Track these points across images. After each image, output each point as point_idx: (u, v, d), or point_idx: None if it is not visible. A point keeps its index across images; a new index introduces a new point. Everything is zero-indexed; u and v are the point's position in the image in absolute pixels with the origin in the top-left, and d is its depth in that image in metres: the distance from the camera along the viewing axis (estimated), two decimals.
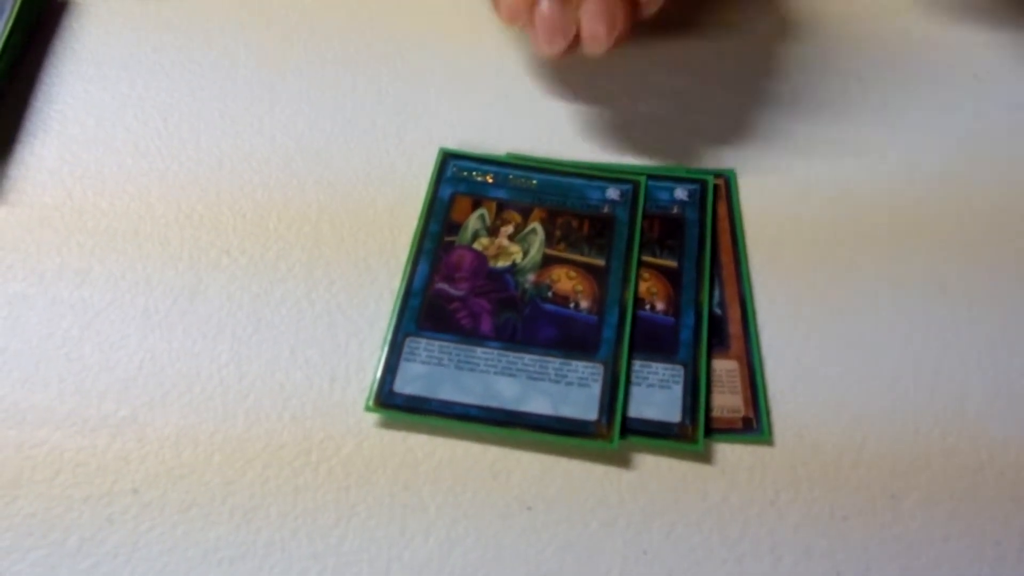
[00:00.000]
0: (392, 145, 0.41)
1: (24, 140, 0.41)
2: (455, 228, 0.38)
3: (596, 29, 0.37)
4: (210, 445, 0.33)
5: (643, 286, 0.37)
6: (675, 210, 0.39)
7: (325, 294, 0.37)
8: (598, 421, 0.33)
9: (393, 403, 0.33)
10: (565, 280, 0.37)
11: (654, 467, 0.33)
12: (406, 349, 0.34)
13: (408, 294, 0.36)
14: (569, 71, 0.44)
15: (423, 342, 0.35)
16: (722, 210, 0.39)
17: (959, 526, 0.32)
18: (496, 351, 0.35)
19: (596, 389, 0.34)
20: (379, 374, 0.34)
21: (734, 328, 0.36)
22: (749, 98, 0.44)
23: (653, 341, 0.35)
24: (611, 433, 0.33)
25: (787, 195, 0.40)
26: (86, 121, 0.42)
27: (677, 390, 0.34)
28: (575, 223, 0.38)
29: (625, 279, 0.37)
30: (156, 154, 0.41)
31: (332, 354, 0.35)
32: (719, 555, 0.31)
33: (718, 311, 0.36)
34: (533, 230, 0.38)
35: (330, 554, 0.31)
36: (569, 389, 0.34)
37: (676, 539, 0.31)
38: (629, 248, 0.37)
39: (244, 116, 0.42)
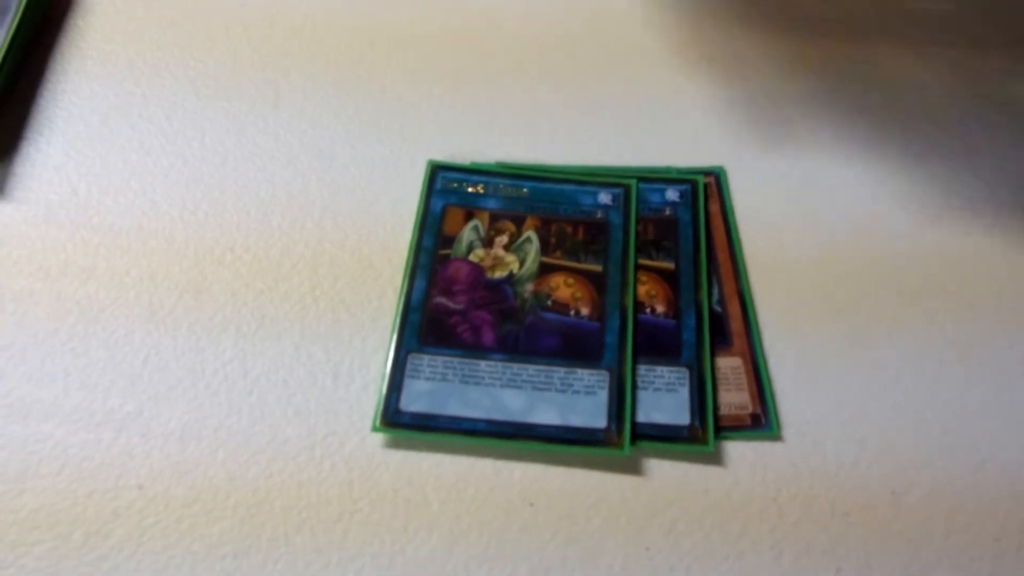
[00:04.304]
0: (395, 143, 0.42)
1: (30, 137, 0.41)
2: (449, 241, 0.38)
3: None
4: (214, 440, 0.33)
5: (642, 289, 0.37)
6: (667, 211, 0.39)
7: (329, 291, 0.37)
8: (608, 428, 0.33)
9: (400, 422, 0.33)
10: (564, 287, 0.37)
11: (668, 470, 0.33)
12: (409, 366, 0.34)
13: (407, 310, 0.36)
14: (555, 75, 0.44)
15: (426, 358, 0.35)
16: (714, 207, 0.39)
17: (959, 522, 0.32)
18: (500, 363, 0.35)
19: (603, 396, 0.34)
20: (383, 392, 0.34)
21: (735, 324, 0.36)
22: (736, 96, 0.44)
23: (656, 344, 0.35)
24: (622, 440, 0.33)
25: (778, 188, 0.40)
26: (91, 119, 0.42)
27: (684, 392, 0.34)
28: (569, 229, 0.38)
29: (624, 283, 0.37)
30: (161, 152, 0.41)
31: (336, 350, 0.35)
32: (720, 551, 0.31)
33: (718, 309, 0.36)
34: (528, 239, 0.38)
35: (333, 549, 0.31)
36: (576, 398, 0.34)
37: (678, 535, 0.32)
38: (625, 252, 0.38)
39: (248, 114, 0.42)
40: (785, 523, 0.32)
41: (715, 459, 0.33)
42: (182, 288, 0.37)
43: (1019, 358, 0.36)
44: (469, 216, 0.39)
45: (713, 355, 0.35)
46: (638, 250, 0.38)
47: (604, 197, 0.39)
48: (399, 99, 0.43)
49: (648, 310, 0.36)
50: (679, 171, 0.41)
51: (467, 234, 0.38)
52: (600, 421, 0.33)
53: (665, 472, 0.33)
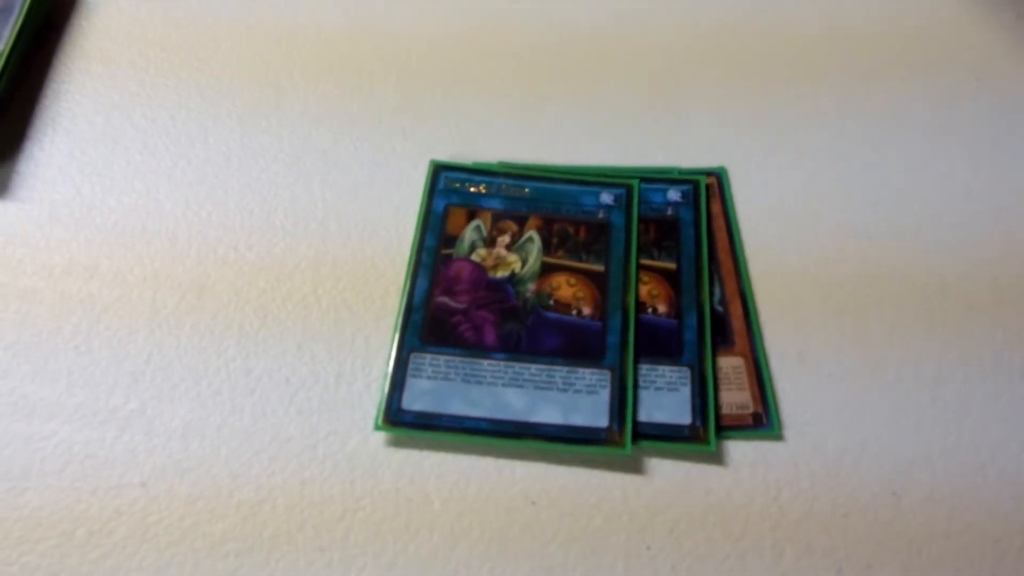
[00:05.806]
0: (398, 143, 0.42)
1: (34, 137, 0.41)
2: (451, 240, 0.38)
3: None
4: (217, 438, 0.33)
5: (644, 289, 0.37)
6: (669, 212, 0.39)
7: (332, 290, 0.37)
8: (609, 428, 0.33)
9: (402, 421, 0.33)
10: (566, 287, 0.37)
11: (669, 470, 0.33)
12: (411, 365, 0.34)
13: (410, 309, 0.36)
14: (556, 75, 0.44)
15: (428, 357, 0.35)
16: (716, 207, 0.39)
17: (960, 523, 0.32)
18: (502, 362, 0.35)
19: (605, 395, 0.34)
20: (386, 391, 0.34)
21: (737, 324, 0.36)
22: (738, 96, 0.44)
23: (658, 344, 0.35)
24: (623, 439, 0.33)
25: (780, 189, 0.40)
26: (95, 119, 0.42)
27: (685, 392, 0.34)
28: (571, 230, 0.38)
29: (625, 283, 0.37)
30: (164, 151, 0.41)
31: (338, 349, 0.35)
32: (721, 551, 0.31)
33: (720, 309, 0.36)
34: (530, 238, 0.38)
35: (335, 547, 0.31)
36: (578, 397, 0.34)
37: (679, 535, 0.32)
38: (627, 252, 0.38)
39: (251, 114, 0.42)
40: (786, 523, 0.32)
41: (716, 459, 0.33)
42: (185, 287, 0.37)
43: (1019, 360, 0.36)
44: (471, 216, 0.39)
45: (714, 355, 0.35)
46: (640, 250, 0.38)
47: (606, 197, 0.39)
48: (401, 99, 0.43)
49: (650, 310, 0.36)
50: (681, 171, 0.41)
51: (469, 234, 0.38)
52: (602, 420, 0.33)
53: (666, 471, 0.33)
